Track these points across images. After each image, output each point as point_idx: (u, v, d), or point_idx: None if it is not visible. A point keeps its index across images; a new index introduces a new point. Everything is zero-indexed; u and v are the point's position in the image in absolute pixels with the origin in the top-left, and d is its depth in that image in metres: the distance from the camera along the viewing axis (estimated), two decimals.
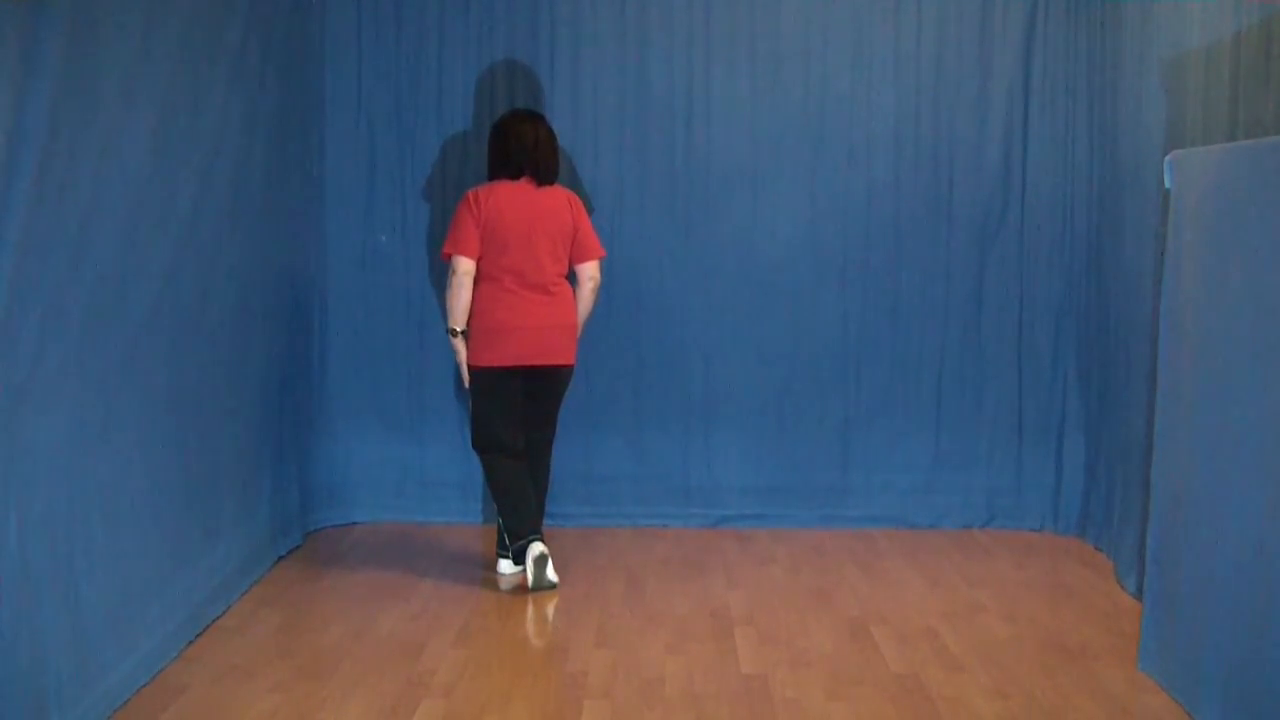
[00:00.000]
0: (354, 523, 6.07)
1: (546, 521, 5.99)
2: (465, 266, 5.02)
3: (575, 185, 6.04)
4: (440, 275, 5.71)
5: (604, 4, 6.00)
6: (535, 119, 5.18)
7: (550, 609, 4.89)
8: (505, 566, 5.25)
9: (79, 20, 3.38)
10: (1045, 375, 6.08)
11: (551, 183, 5.16)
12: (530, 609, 4.91)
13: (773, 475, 6.13)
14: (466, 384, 5.17)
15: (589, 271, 5.21)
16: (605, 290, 6.07)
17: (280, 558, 5.38)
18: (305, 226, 5.66)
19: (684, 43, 6.02)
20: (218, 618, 4.58)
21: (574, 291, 5.18)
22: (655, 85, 6.03)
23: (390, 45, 5.97)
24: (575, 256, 5.17)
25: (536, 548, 5.00)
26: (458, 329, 5.08)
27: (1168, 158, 4.09)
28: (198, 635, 4.38)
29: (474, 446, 5.19)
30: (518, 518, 5.05)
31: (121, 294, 3.78)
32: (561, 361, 5.14)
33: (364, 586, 5.15)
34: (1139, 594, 4.67)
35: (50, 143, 3.24)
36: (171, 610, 4.18)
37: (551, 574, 5.02)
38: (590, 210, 5.65)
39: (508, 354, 5.04)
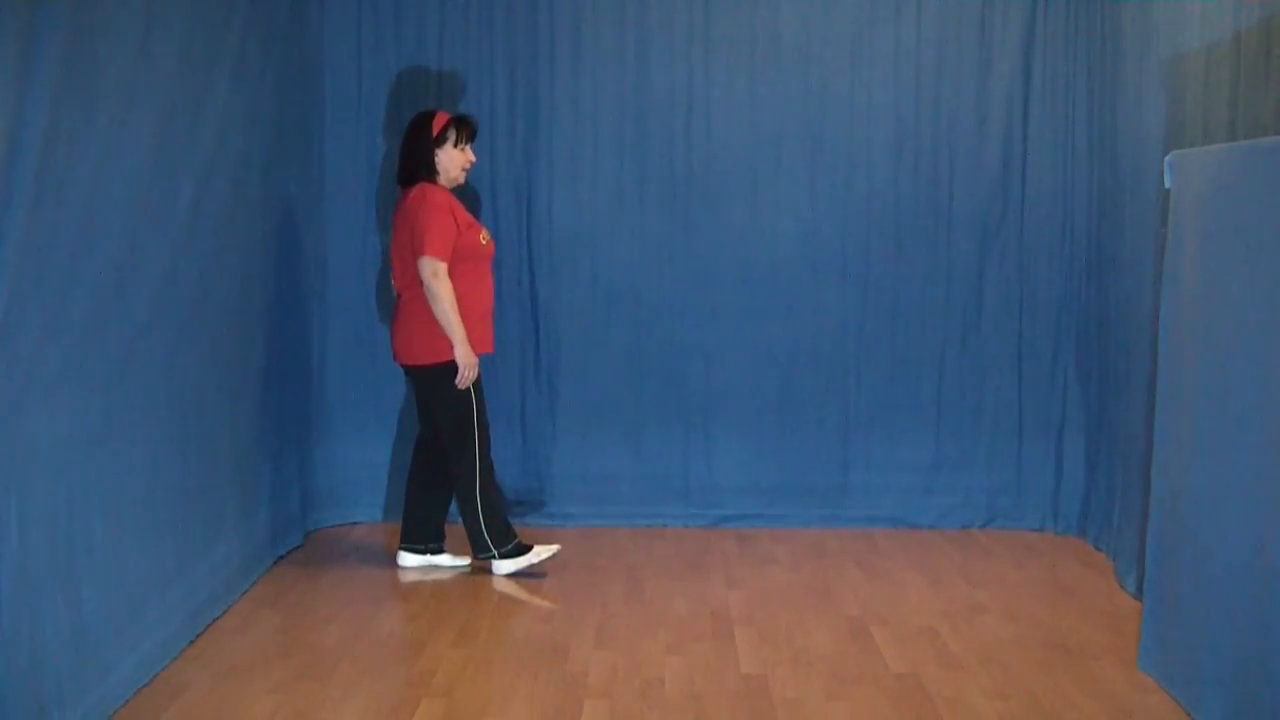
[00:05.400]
0: (354, 523, 6.07)
1: (547, 521, 6.04)
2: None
3: (574, 185, 6.05)
4: None
5: (604, 4, 6.00)
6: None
7: (550, 609, 4.89)
8: (411, 559, 5.37)
9: (79, 20, 3.37)
10: (1045, 375, 6.08)
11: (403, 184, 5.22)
12: (530, 609, 4.91)
13: (773, 475, 6.13)
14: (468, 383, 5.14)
15: None
16: (606, 289, 6.10)
17: (280, 558, 5.38)
18: (305, 226, 5.66)
19: (684, 43, 6.02)
20: (218, 618, 4.58)
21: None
22: (655, 85, 6.03)
23: (390, 45, 5.97)
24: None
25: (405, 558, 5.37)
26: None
27: (1168, 158, 4.08)
28: (198, 635, 4.38)
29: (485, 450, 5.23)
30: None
31: (121, 294, 3.77)
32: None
33: (364, 586, 5.15)
34: (1139, 594, 4.67)
35: (50, 143, 3.23)
36: (172, 610, 4.18)
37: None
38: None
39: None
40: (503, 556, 5.20)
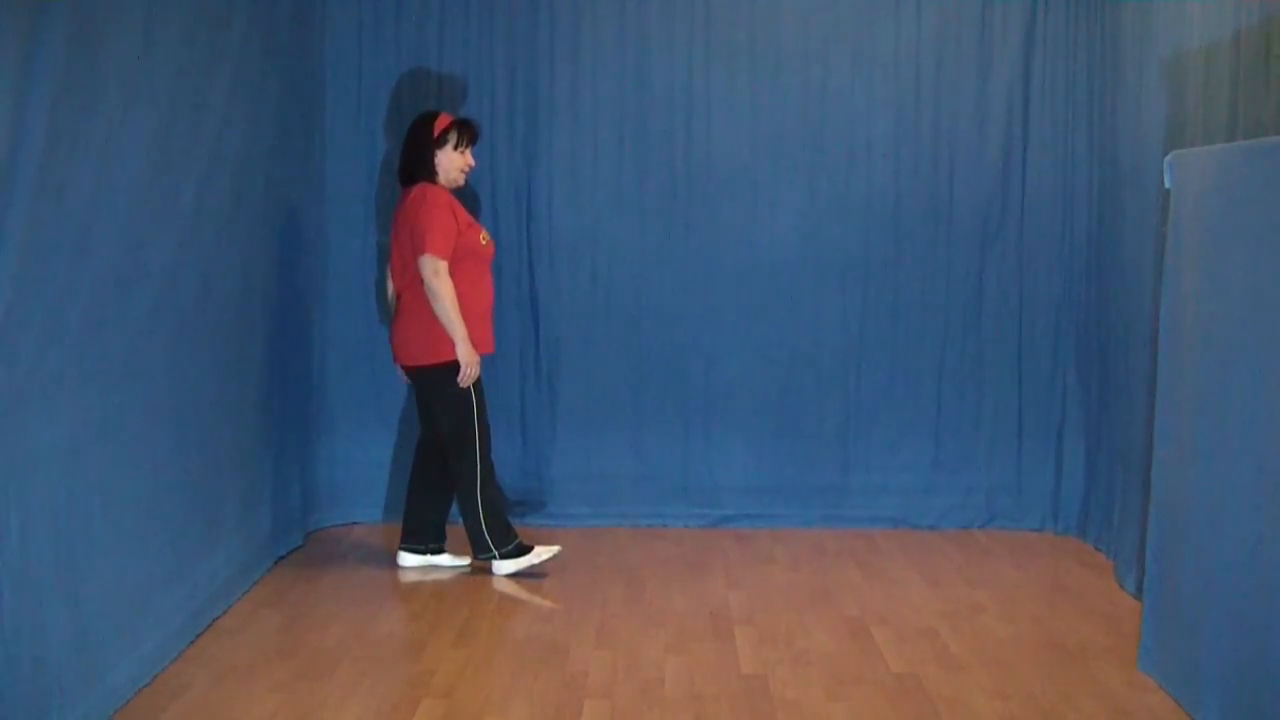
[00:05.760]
0: (354, 523, 6.07)
1: (547, 521, 6.04)
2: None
3: (574, 185, 6.05)
4: None
5: (604, 4, 6.00)
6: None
7: (550, 609, 4.89)
8: (412, 559, 5.37)
9: (79, 20, 3.37)
10: (1045, 375, 6.08)
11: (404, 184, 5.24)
12: (530, 609, 4.91)
13: (773, 475, 6.13)
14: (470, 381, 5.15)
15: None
16: (606, 289, 6.10)
17: (281, 558, 5.38)
18: (305, 226, 5.66)
19: (684, 43, 6.02)
20: (218, 618, 4.58)
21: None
22: (655, 85, 6.03)
23: (390, 45, 5.97)
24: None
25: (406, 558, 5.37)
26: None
27: (1168, 158, 4.09)
28: (198, 635, 4.39)
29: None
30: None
31: (122, 294, 3.77)
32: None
33: (364, 586, 5.15)
34: (1139, 594, 4.67)
35: (50, 143, 3.23)
36: (172, 610, 4.18)
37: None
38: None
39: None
40: (503, 557, 5.21)
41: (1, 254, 3.08)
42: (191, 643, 4.31)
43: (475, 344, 5.08)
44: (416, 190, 5.10)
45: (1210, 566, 3.70)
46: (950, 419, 6.11)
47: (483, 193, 6.01)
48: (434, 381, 5.12)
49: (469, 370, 5.05)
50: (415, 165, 5.16)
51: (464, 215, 5.14)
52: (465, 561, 5.33)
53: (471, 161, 5.24)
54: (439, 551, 5.37)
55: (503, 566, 5.22)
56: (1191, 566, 3.84)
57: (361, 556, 5.54)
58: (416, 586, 5.16)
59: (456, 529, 5.30)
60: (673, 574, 5.34)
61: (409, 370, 5.23)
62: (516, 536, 5.25)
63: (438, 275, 4.98)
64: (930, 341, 6.09)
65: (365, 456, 6.07)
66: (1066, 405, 6.05)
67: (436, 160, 5.15)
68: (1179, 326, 3.97)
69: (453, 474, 5.22)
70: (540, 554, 5.23)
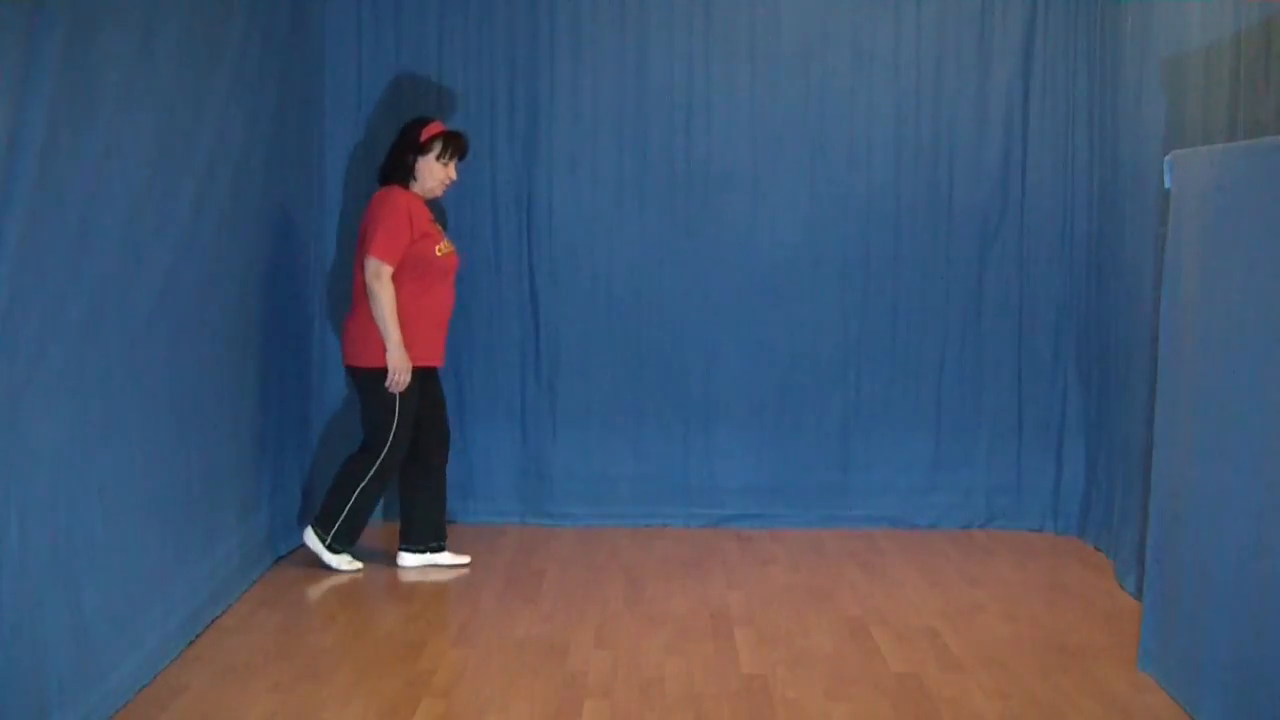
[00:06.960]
0: None
1: (546, 521, 6.05)
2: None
3: (575, 185, 6.05)
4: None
5: (604, 4, 6.00)
6: None
7: (551, 609, 4.89)
8: (411, 559, 5.35)
9: (79, 20, 3.38)
10: (1045, 375, 6.08)
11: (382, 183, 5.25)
12: (530, 609, 4.91)
13: (773, 475, 6.13)
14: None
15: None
16: (606, 289, 6.10)
17: (280, 558, 5.38)
18: (304, 226, 5.66)
19: (684, 43, 6.02)
20: (218, 618, 4.58)
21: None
22: (655, 85, 6.03)
23: (390, 45, 5.97)
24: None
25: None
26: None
27: (1168, 158, 4.09)
28: (198, 635, 4.38)
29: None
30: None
31: (122, 294, 3.77)
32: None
33: (364, 586, 5.15)
34: (1139, 594, 4.67)
35: (50, 143, 3.23)
36: (172, 610, 4.18)
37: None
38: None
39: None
40: (330, 545, 5.18)
41: (1, 254, 3.08)
42: (191, 642, 4.31)
43: (419, 355, 5.08)
44: (382, 191, 5.13)
45: (1210, 566, 3.70)
46: (950, 419, 6.11)
47: (483, 192, 6.00)
48: (366, 384, 5.13)
49: (398, 376, 5.04)
50: (392, 167, 5.18)
51: (422, 224, 5.11)
52: (465, 560, 5.34)
53: (454, 175, 5.24)
54: (439, 550, 5.37)
55: (322, 552, 5.18)
56: (1191, 566, 3.84)
57: (361, 557, 5.53)
58: (416, 586, 5.16)
59: (455, 528, 5.30)
60: (673, 574, 5.34)
61: (347, 369, 5.24)
62: (354, 543, 5.25)
63: (379, 278, 4.99)
64: (930, 341, 6.09)
65: None
66: (1066, 405, 6.05)
67: (416, 166, 5.16)
68: (1179, 326, 3.97)
69: (352, 457, 5.23)
70: (344, 564, 5.21)
